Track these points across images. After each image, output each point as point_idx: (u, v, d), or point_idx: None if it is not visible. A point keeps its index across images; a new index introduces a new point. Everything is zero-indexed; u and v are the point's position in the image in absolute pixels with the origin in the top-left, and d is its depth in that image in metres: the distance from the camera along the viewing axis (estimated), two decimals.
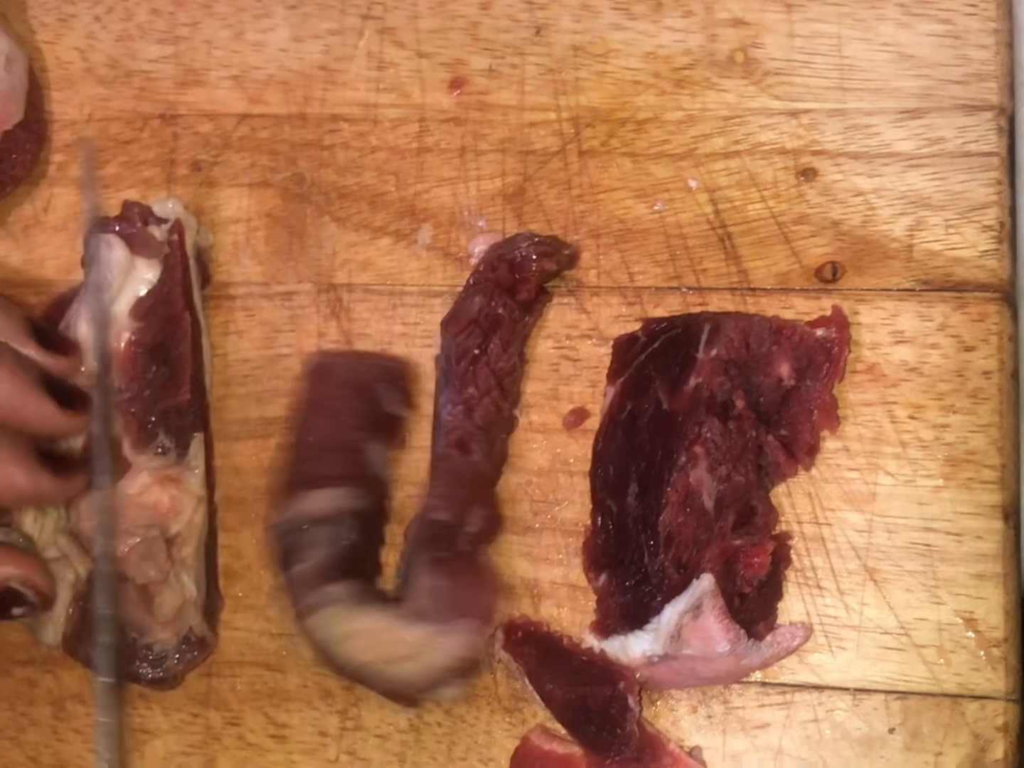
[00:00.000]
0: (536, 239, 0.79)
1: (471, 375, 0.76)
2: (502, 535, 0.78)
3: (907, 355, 0.76)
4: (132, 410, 0.79)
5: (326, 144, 0.85)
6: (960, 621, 0.73)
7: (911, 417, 0.75)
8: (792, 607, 0.75)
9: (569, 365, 0.80)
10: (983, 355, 0.75)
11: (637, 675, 0.73)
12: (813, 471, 0.75)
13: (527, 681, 0.75)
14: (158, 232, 0.81)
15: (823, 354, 0.75)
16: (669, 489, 0.73)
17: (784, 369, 0.75)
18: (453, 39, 0.84)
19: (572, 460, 0.78)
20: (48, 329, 0.80)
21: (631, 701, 0.72)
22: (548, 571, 0.78)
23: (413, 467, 0.78)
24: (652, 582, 0.73)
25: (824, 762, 0.73)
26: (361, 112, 0.85)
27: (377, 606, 0.74)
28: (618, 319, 0.79)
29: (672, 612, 0.71)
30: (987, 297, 0.75)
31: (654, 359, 0.76)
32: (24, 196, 0.88)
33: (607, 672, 0.73)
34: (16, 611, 0.77)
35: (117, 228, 0.80)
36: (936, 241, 0.76)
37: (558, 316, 0.80)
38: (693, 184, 0.80)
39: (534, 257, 0.78)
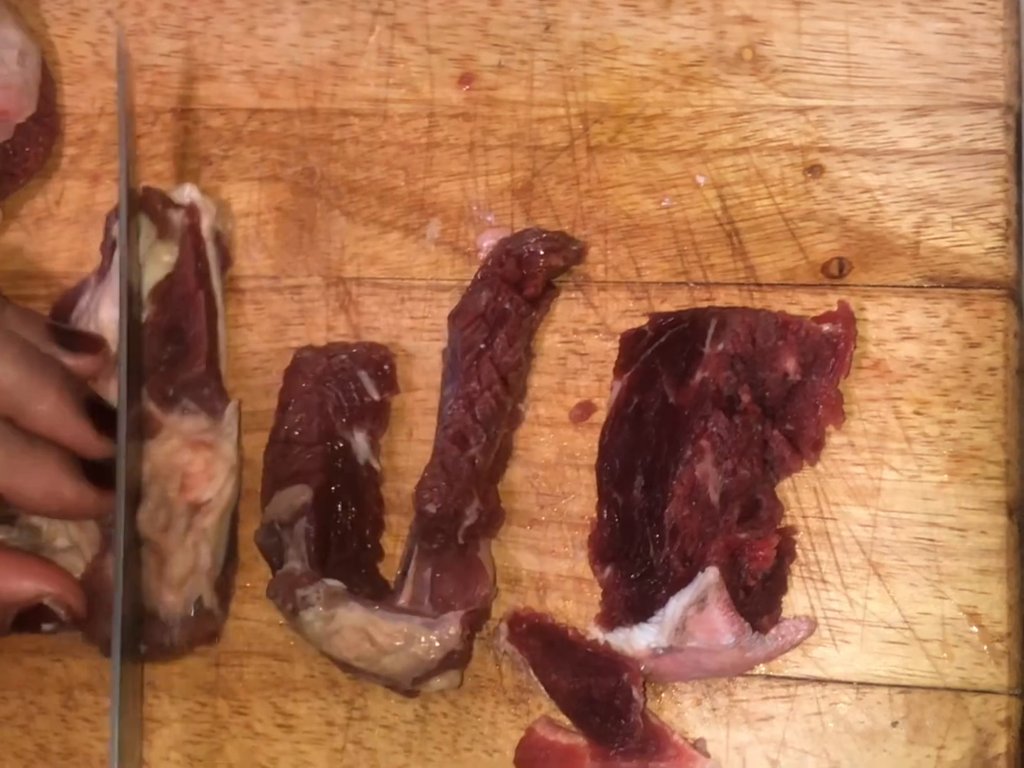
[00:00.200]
0: (544, 235, 0.79)
1: (475, 369, 0.77)
2: (508, 527, 0.78)
3: (913, 351, 0.76)
4: (153, 382, 0.80)
5: (336, 139, 0.85)
6: (963, 616, 0.73)
7: (916, 413, 0.75)
8: (796, 601, 0.75)
9: (576, 359, 0.80)
10: (988, 351, 0.75)
11: (642, 667, 0.73)
12: (818, 466, 0.76)
13: (532, 672, 0.75)
14: (176, 216, 0.82)
15: (829, 349, 0.75)
16: (675, 483, 0.73)
17: (790, 364, 0.75)
18: (463, 35, 0.85)
19: (578, 453, 0.79)
20: (70, 330, 0.81)
21: (635, 693, 0.72)
22: (554, 563, 0.78)
23: (422, 460, 0.78)
24: (657, 575, 0.73)
25: (827, 755, 0.73)
26: (371, 107, 0.85)
27: (361, 601, 0.74)
28: (625, 314, 0.80)
29: (677, 605, 0.71)
30: (993, 294, 0.76)
31: (661, 353, 0.76)
32: (36, 189, 0.88)
33: (612, 664, 0.73)
34: (46, 627, 0.77)
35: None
36: (942, 238, 0.77)
37: (566, 311, 0.81)
38: (701, 180, 0.80)
39: (542, 253, 0.78)
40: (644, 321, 0.78)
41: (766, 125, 0.80)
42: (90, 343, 0.79)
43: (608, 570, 0.75)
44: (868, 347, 0.76)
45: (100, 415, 0.77)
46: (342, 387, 0.80)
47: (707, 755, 0.74)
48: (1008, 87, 0.78)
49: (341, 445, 0.79)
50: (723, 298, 0.79)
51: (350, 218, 0.84)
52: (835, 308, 0.76)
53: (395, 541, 0.80)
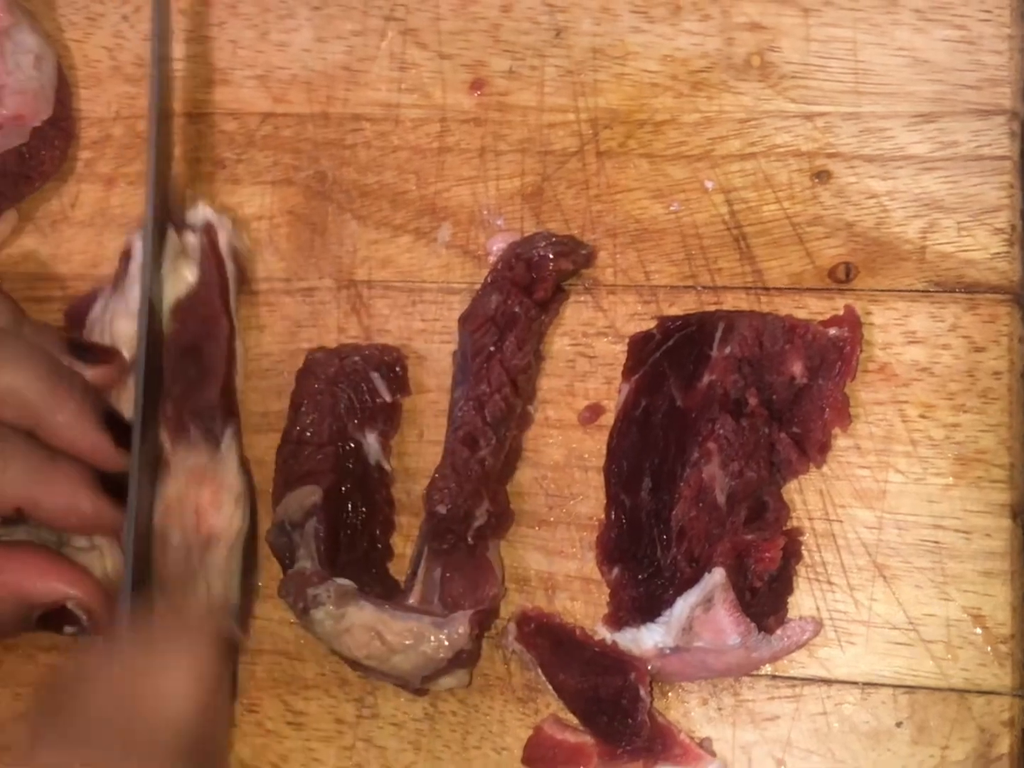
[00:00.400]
0: (554, 238, 0.80)
1: (484, 372, 0.77)
2: (517, 528, 0.79)
3: (919, 355, 0.76)
4: (167, 408, 0.80)
5: (348, 143, 0.86)
6: (968, 617, 0.74)
7: (922, 416, 0.76)
8: (802, 602, 0.76)
9: (585, 362, 0.81)
10: (993, 356, 0.76)
11: (649, 667, 0.73)
12: (824, 468, 0.76)
13: (540, 672, 0.76)
14: (192, 237, 0.82)
15: (835, 353, 0.75)
16: (682, 484, 0.74)
17: (797, 367, 0.76)
18: (474, 41, 0.86)
19: (587, 455, 0.79)
20: (85, 343, 0.81)
21: (642, 692, 0.73)
22: (562, 564, 0.79)
23: (432, 461, 0.79)
24: (664, 575, 0.74)
25: (832, 754, 0.74)
26: (383, 112, 0.86)
27: (371, 600, 0.75)
28: (634, 317, 0.80)
29: (684, 605, 0.72)
30: (998, 299, 0.76)
31: (669, 357, 0.77)
32: (52, 192, 0.89)
33: (619, 663, 0.74)
34: (68, 629, 0.78)
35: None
36: (948, 243, 0.77)
37: (575, 314, 0.81)
38: (709, 185, 0.81)
39: (551, 256, 0.79)
40: (652, 324, 0.79)
41: (774, 131, 0.81)
42: (106, 355, 0.80)
43: (616, 571, 0.76)
44: (874, 351, 0.77)
45: (117, 429, 0.78)
46: (354, 388, 0.80)
47: (713, 754, 0.75)
48: (1014, 94, 0.78)
49: (352, 446, 0.80)
50: (731, 302, 0.79)
51: (362, 222, 0.85)
52: (842, 312, 0.76)
53: (405, 541, 0.80)
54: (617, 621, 0.75)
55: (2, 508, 0.76)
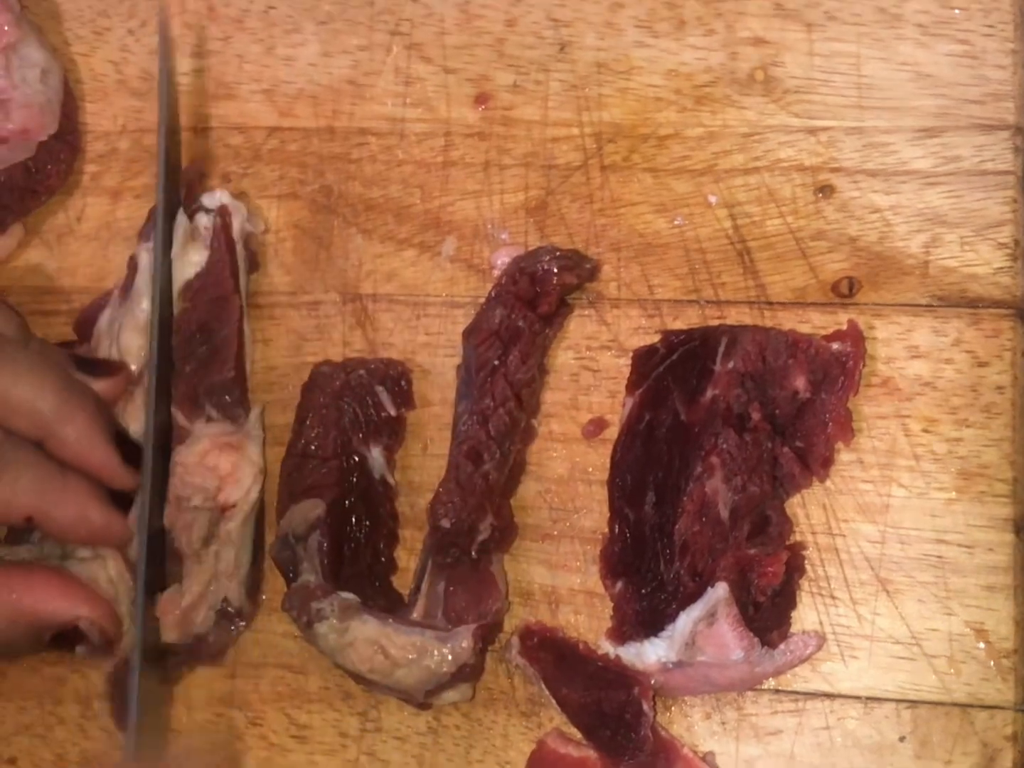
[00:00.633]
0: (557, 253, 0.80)
1: (489, 386, 0.77)
2: (521, 542, 0.79)
3: (922, 370, 0.77)
4: (179, 387, 0.81)
5: (354, 157, 0.86)
6: (971, 632, 0.74)
7: (925, 431, 0.76)
8: (805, 616, 0.76)
9: (589, 376, 0.81)
10: (996, 370, 0.76)
11: (652, 681, 0.74)
12: (827, 483, 0.77)
13: (544, 686, 0.76)
14: (205, 219, 0.83)
15: (838, 368, 0.76)
16: (685, 499, 0.74)
17: (800, 382, 0.76)
18: (479, 55, 0.86)
19: (591, 469, 0.80)
20: (91, 360, 0.82)
21: (646, 706, 0.73)
22: (566, 578, 0.79)
23: (436, 474, 0.79)
24: (668, 590, 0.74)
25: None
26: (388, 126, 0.86)
27: (375, 614, 0.75)
28: (637, 331, 0.81)
29: (687, 620, 0.72)
30: (1001, 313, 0.76)
31: (672, 371, 0.77)
32: (58, 205, 0.89)
33: (622, 678, 0.74)
34: (80, 648, 0.78)
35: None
36: (951, 258, 0.78)
37: (579, 327, 0.82)
38: (713, 199, 0.81)
39: (555, 270, 0.79)
40: (656, 338, 0.79)
41: (778, 145, 0.81)
42: (112, 368, 0.81)
43: (619, 584, 0.76)
44: (877, 365, 0.77)
45: (125, 447, 0.79)
46: (359, 402, 0.81)
47: None
48: (1018, 109, 0.78)
49: (357, 459, 0.80)
50: (734, 316, 0.80)
51: (367, 235, 0.85)
52: (845, 327, 0.76)
53: (409, 555, 0.81)
54: (620, 635, 0.75)
55: (13, 516, 0.76)
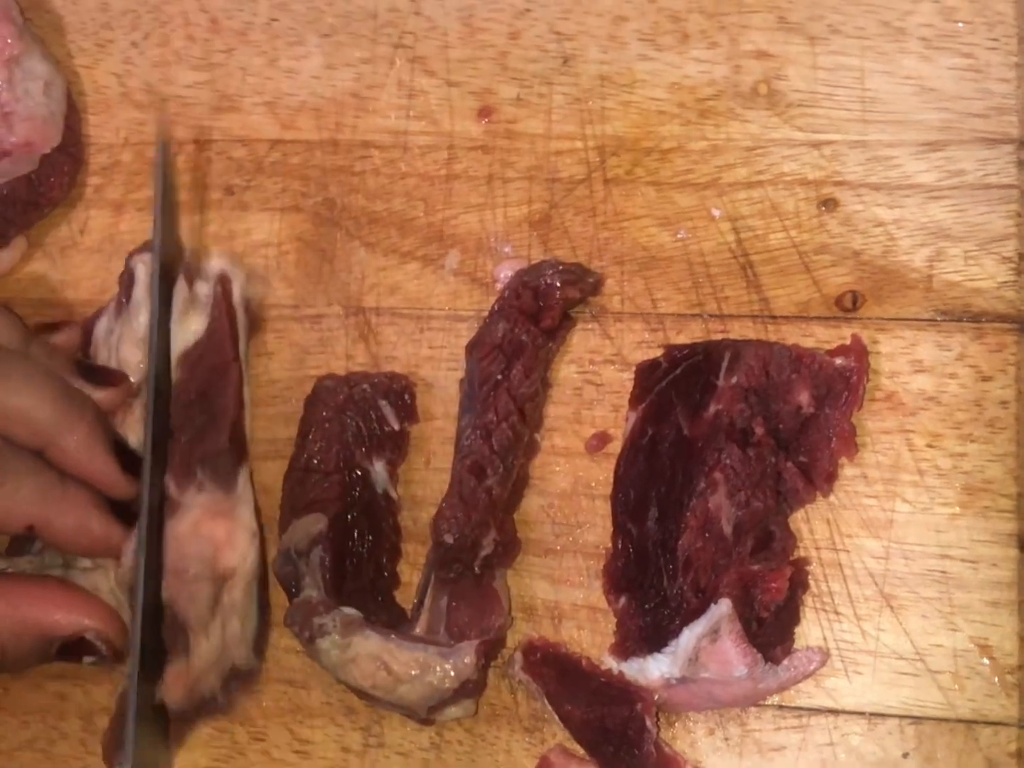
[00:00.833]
0: (561, 267, 0.80)
1: (492, 400, 0.77)
2: (524, 557, 0.79)
3: (925, 384, 0.77)
4: (174, 455, 0.80)
5: (356, 170, 0.86)
6: (975, 648, 0.74)
7: (929, 445, 0.76)
8: (809, 632, 0.76)
9: (592, 390, 0.81)
10: (1000, 385, 0.76)
11: (655, 697, 0.73)
12: (831, 498, 0.76)
13: (546, 701, 0.76)
14: (205, 287, 0.82)
15: (842, 382, 0.75)
16: (688, 514, 0.74)
17: (803, 397, 0.76)
18: (482, 68, 0.86)
19: (594, 483, 0.79)
20: (94, 365, 0.82)
21: (648, 722, 0.73)
22: (569, 593, 0.79)
23: (439, 488, 0.79)
24: (671, 605, 0.74)
25: None
26: (391, 139, 0.86)
27: (377, 629, 0.75)
28: (641, 345, 0.81)
29: (690, 635, 0.72)
30: (1005, 328, 0.76)
31: (675, 385, 0.77)
32: (61, 218, 0.89)
33: (625, 693, 0.73)
34: (87, 660, 0.78)
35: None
36: (955, 272, 0.77)
37: (582, 341, 0.81)
38: (716, 213, 0.81)
39: (558, 285, 0.79)
40: (659, 352, 0.79)
41: (781, 159, 0.81)
42: (113, 377, 0.81)
43: (622, 600, 0.76)
44: (881, 380, 0.77)
45: (125, 457, 0.79)
46: (363, 416, 0.80)
47: None
48: (1021, 122, 0.78)
49: (359, 474, 0.80)
50: (737, 330, 0.79)
51: (370, 248, 0.85)
52: (848, 341, 0.76)
53: (412, 569, 0.80)
54: (623, 651, 0.75)
55: (14, 525, 0.76)
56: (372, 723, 0.79)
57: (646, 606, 0.75)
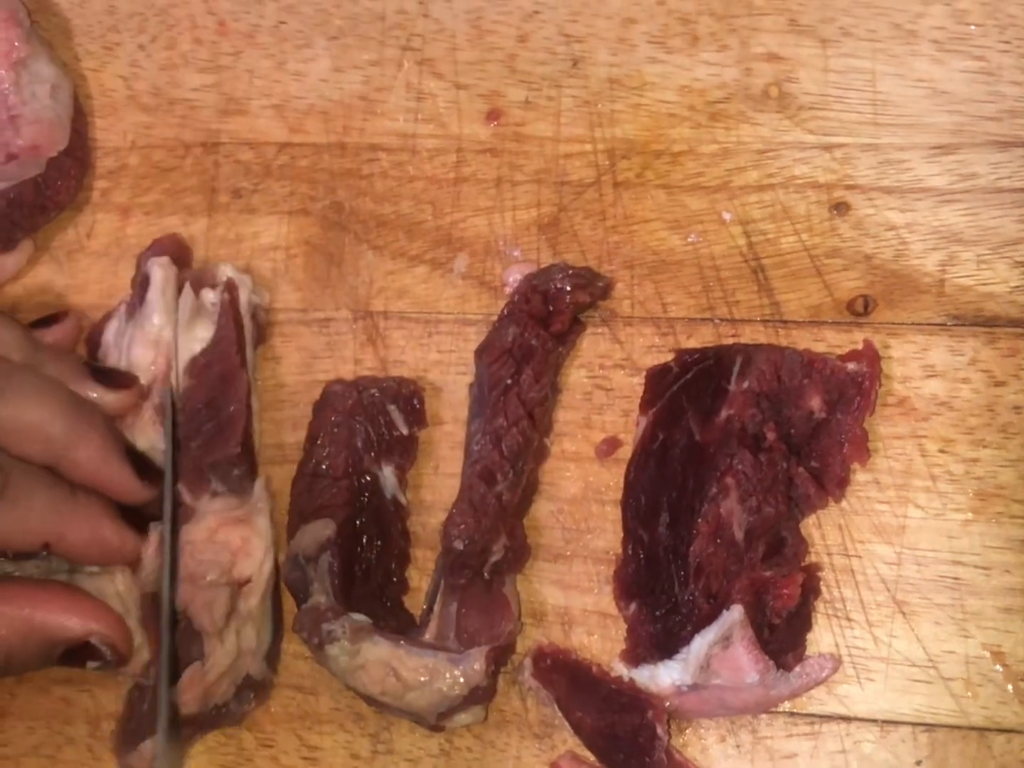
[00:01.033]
0: (570, 271, 0.80)
1: (501, 405, 0.77)
2: (534, 562, 0.79)
3: (938, 389, 0.76)
4: (185, 462, 0.80)
5: (364, 173, 0.86)
6: (988, 655, 0.73)
7: (941, 451, 0.76)
8: (821, 638, 0.75)
9: (602, 394, 0.80)
10: (1013, 390, 0.75)
11: (666, 704, 0.73)
12: (843, 503, 0.76)
13: (557, 708, 0.75)
14: (211, 295, 0.82)
15: (854, 387, 0.75)
16: (700, 520, 0.73)
17: (815, 402, 0.75)
18: (491, 71, 0.85)
19: (604, 489, 0.79)
20: (104, 368, 0.81)
21: (660, 730, 0.73)
22: (579, 599, 0.78)
23: (447, 493, 0.79)
24: (682, 612, 0.73)
25: None
26: (399, 142, 0.86)
27: (387, 636, 0.75)
28: (651, 349, 0.80)
29: (702, 642, 0.72)
30: (1018, 332, 0.76)
31: (686, 390, 0.77)
32: (68, 221, 0.89)
33: (636, 700, 0.73)
34: (91, 664, 0.77)
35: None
36: (967, 276, 0.77)
37: (592, 346, 0.81)
38: (727, 216, 0.81)
39: (568, 289, 0.79)
40: (670, 357, 0.79)
41: (792, 162, 0.80)
42: (125, 380, 0.80)
43: (633, 606, 0.76)
44: (893, 385, 0.77)
45: (137, 462, 0.78)
46: (371, 421, 0.80)
47: None
48: None
49: (368, 479, 0.80)
50: (748, 334, 0.79)
51: (378, 252, 0.85)
52: (860, 346, 0.76)
53: (421, 575, 0.80)
54: (634, 657, 0.74)
55: (30, 543, 0.76)
56: (381, 729, 0.79)
57: (657, 612, 0.74)
